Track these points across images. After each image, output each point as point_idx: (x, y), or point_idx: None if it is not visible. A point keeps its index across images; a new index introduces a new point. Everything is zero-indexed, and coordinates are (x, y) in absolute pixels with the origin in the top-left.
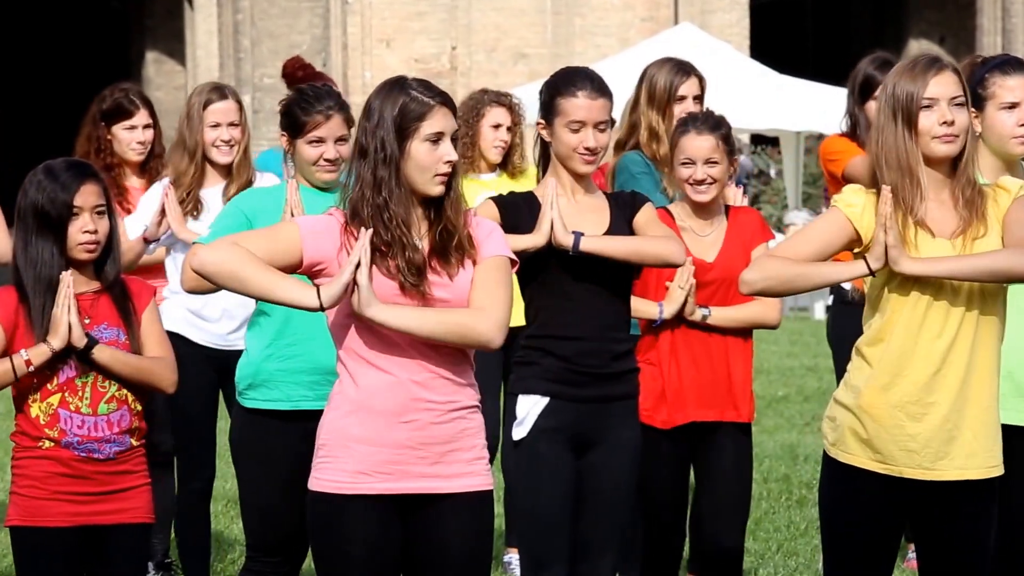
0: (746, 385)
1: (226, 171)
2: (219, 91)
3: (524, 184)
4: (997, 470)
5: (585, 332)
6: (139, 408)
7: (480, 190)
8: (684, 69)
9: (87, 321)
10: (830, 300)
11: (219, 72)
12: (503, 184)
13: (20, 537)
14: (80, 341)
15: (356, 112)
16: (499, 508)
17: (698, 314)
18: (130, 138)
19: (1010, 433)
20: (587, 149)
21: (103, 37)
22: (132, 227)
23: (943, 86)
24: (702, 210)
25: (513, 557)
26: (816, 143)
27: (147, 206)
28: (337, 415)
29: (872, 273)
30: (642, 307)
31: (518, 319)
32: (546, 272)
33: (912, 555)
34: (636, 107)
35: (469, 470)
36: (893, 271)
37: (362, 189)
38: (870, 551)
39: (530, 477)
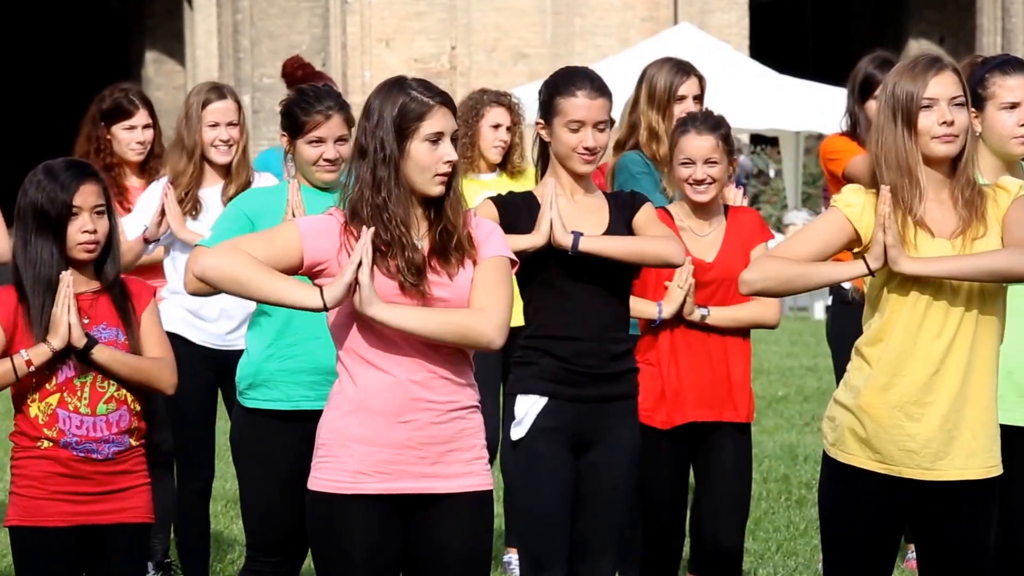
0: (745, 385)
1: (225, 171)
2: (218, 91)
3: (524, 184)
4: (996, 470)
5: (584, 332)
6: (138, 408)
7: (480, 190)
8: (684, 69)
9: (86, 321)
10: (830, 300)
11: (219, 72)
12: (503, 184)
13: (19, 537)
14: (80, 341)
15: (356, 112)
16: (499, 508)
17: (697, 314)
18: (130, 138)
19: (1010, 433)
20: (586, 149)
21: (103, 37)
22: (131, 227)
23: (943, 86)
24: (701, 210)
25: (512, 557)
26: (816, 143)
27: (145, 206)
28: (337, 415)
29: (871, 273)
30: (641, 307)
31: (517, 319)
32: (545, 272)
33: (912, 555)
34: (636, 107)
35: (468, 470)
36: (892, 271)
37: (362, 189)
38: (870, 551)
39: (529, 477)
